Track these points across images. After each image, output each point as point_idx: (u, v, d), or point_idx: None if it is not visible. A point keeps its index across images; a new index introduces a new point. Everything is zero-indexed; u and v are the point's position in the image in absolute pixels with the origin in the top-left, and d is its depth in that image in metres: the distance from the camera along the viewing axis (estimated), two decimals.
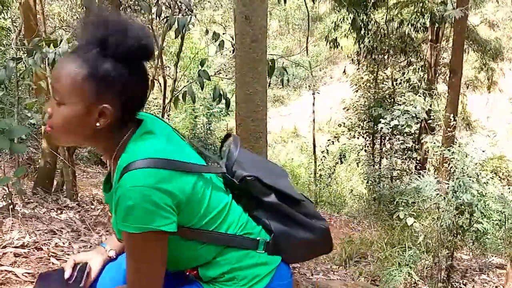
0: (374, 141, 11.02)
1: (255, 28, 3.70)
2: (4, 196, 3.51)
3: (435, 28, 10.13)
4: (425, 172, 7.01)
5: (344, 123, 11.22)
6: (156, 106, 10.79)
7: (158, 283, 1.08)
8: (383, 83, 10.94)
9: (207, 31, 5.10)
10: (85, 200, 4.97)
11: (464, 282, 4.48)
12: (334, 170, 11.42)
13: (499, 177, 9.18)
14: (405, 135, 9.91)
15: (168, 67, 11.08)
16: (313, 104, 11.26)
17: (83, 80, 1.00)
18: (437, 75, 10.55)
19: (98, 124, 1.03)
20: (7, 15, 8.45)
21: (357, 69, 11.22)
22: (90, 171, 8.32)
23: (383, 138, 10.71)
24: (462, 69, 8.10)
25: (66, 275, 1.25)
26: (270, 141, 16.89)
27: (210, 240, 1.14)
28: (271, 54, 4.58)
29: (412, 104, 8.53)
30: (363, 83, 10.99)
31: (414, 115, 8.29)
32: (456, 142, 5.30)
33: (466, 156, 4.17)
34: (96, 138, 1.08)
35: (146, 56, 1.06)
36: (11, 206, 3.31)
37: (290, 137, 19.96)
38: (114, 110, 1.03)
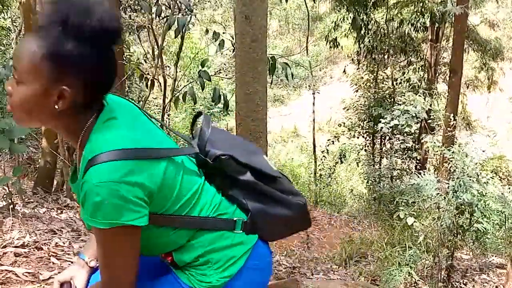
0: (374, 141, 11.02)
1: (255, 28, 3.70)
2: (4, 195, 3.52)
3: (435, 28, 10.12)
4: (425, 171, 7.01)
5: (344, 123, 11.22)
6: (156, 106, 10.80)
7: (131, 277, 1.06)
8: (383, 83, 10.93)
9: (207, 31, 5.10)
10: None
11: (464, 282, 4.48)
12: (334, 169, 11.42)
13: (499, 177, 9.18)
14: (405, 134, 9.91)
15: (168, 66, 11.07)
16: (313, 103, 11.24)
17: (41, 60, 0.96)
18: (437, 74, 10.54)
19: (56, 106, 0.99)
20: (7, 15, 8.45)
21: (357, 69, 11.21)
22: None
23: (383, 137, 10.70)
24: (462, 69, 8.10)
25: None
26: (270, 141, 16.89)
27: (182, 224, 1.11)
28: (271, 54, 4.58)
29: (412, 104, 8.53)
30: (363, 83, 10.98)
31: (414, 114, 8.28)
32: (456, 142, 5.30)
33: (466, 156, 4.16)
34: (58, 121, 1.04)
35: (110, 39, 1.01)
36: (11, 205, 3.31)
37: (290, 137, 19.95)
38: (74, 93, 0.98)
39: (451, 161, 4.31)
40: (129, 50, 8.31)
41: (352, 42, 11.30)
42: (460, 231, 4.16)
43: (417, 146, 9.80)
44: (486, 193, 4.19)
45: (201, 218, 1.13)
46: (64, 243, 2.95)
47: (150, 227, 1.06)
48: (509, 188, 5.01)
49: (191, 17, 5.10)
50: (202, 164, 1.23)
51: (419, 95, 9.14)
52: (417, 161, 9.97)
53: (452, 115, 6.65)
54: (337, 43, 10.65)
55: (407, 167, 10.24)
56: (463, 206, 4.02)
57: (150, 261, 1.27)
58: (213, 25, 13.00)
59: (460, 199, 3.92)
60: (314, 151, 11.18)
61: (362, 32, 10.06)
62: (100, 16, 0.97)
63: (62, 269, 2.21)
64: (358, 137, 11.04)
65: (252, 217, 1.21)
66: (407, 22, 10.21)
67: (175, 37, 4.83)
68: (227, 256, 1.16)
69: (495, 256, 5.38)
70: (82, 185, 0.98)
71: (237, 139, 1.46)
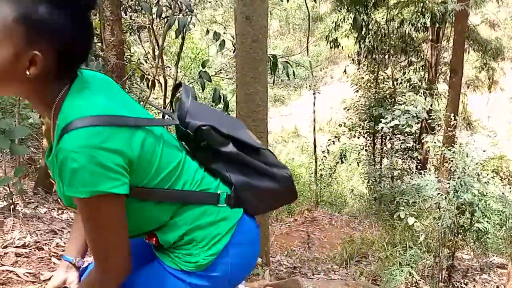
0: (375, 141, 11.02)
1: (256, 28, 3.70)
2: (5, 196, 3.52)
3: (436, 28, 10.12)
4: (425, 171, 7.01)
5: (344, 123, 11.22)
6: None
7: (123, 250, 1.02)
8: (383, 83, 10.94)
9: (207, 31, 5.11)
10: None
11: (465, 282, 4.47)
12: (335, 170, 11.42)
13: (500, 176, 9.18)
14: (405, 134, 9.91)
15: (169, 67, 11.07)
16: (314, 104, 11.25)
17: (13, 23, 0.91)
18: (438, 74, 10.54)
19: (28, 72, 0.94)
20: None
21: (358, 69, 11.22)
22: None
23: (383, 137, 10.71)
24: (463, 69, 8.10)
25: None
26: (271, 141, 16.90)
27: (165, 198, 1.08)
28: (272, 54, 4.58)
29: (412, 104, 8.53)
30: (363, 83, 10.99)
31: (414, 114, 8.28)
32: (456, 142, 5.30)
33: (467, 156, 4.16)
34: (30, 89, 0.99)
35: (85, 4, 0.98)
36: (12, 206, 3.31)
37: (290, 137, 19.96)
38: (46, 60, 0.94)
39: (452, 161, 4.31)
40: (130, 50, 8.31)
41: (353, 42, 11.30)
42: (461, 231, 4.16)
43: (417, 146, 9.80)
44: (486, 193, 4.19)
45: (184, 191, 1.10)
46: (65, 244, 2.95)
47: (133, 201, 1.03)
48: (510, 188, 5.01)
49: (191, 17, 5.11)
50: (183, 137, 1.20)
51: (419, 95, 9.14)
52: (418, 161, 9.97)
53: (452, 115, 6.66)
54: (338, 43, 10.65)
55: (408, 167, 10.24)
56: (463, 206, 4.02)
57: (134, 246, 1.24)
58: (214, 26, 13.00)
59: (461, 199, 3.92)
60: (315, 151, 11.18)
61: (363, 32, 10.06)
62: None
63: None
64: (358, 137, 11.04)
65: (236, 190, 1.18)
66: (408, 22, 10.21)
67: (176, 38, 4.84)
68: (211, 233, 1.13)
69: (496, 256, 5.38)
70: (57, 154, 0.93)
71: (220, 113, 1.39)
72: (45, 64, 0.95)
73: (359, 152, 11.31)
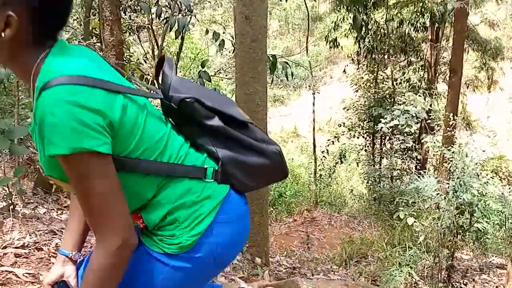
0: (374, 141, 11.03)
1: (255, 28, 3.70)
2: (5, 196, 3.51)
3: (435, 28, 10.13)
4: (425, 172, 7.01)
5: (344, 123, 11.22)
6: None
7: (122, 213, 0.97)
8: (383, 83, 10.94)
9: (207, 31, 5.11)
10: None
11: (464, 282, 4.48)
12: (334, 170, 11.42)
13: (499, 177, 9.18)
14: (405, 134, 9.91)
15: None
16: (313, 104, 11.25)
17: None
18: (437, 74, 10.55)
19: (3, 34, 0.91)
20: None
21: (357, 69, 11.22)
22: None
23: (383, 138, 10.71)
24: (462, 69, 8.11)
25: None
26: None
27: (150, 170, 1.04)
28: (272, 54, 4.58)
29: (412, 104, 8.54)
30: (363, 83, 10.99)
31: (414, 114, 8.29)
32: (456, 142, 5.30)
33: (466, 156, 4.17)
34: (10, 54, 0.97)
35: None
36: (12, 206, 3.30)
37: (290, 137, 19.96)
38: (20, 21, 0.91)
39: (451, 161, 4.31)
40: (129, 50, 8.30)
41: (352, 42, 11.30)
42: (460, 231, 4.16)
43: (417, 146, 9.80)
44: (486, 193, 4.19)
45: (170, 164, 1.07)
46: None
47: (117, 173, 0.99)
48: (509, 188, 5.02)
49: (191, 17, 5.11)
50: (168, 112, 1.17)
51: (419, 95, 9.15)
52: (417, 161, 9.97)
53: (452, 115, 6.66)
54: (337, 43, 10.65)
55: (407, 167, 10.25)
56: (463, 206, 4.02)
57: None
58: (213, 26, 13.00)
59: (460, 199, 3.92)
60: (314, 151, 11.18)
61: (362, 32, 10.07)
62: None
63: None
64: (358, 137, 11.04)
65: (223, 165, 1.15)
66: (407, 22, 10.22)
67: (176, 38, 4.84)
68: (195, 213, 1.09)
69: (496, 256, 5.38)
70: (34, 113, 0.90)
71: (208, 90, 1.35)
72: (21, 26, 0.92)
73: (359, 152, 11.31)
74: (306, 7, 7.61)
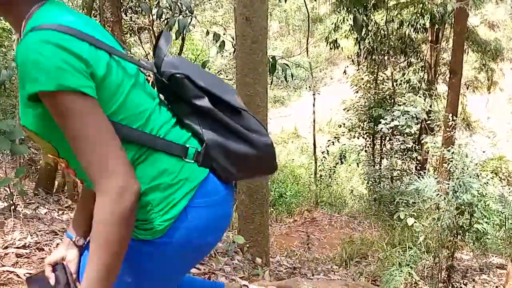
0: (375, 142, 11.04)
1: (256, 29, 3.71)
2: (6, 197, 3.52)
3: (435, 29, 10.15)
4: (425, 172, 7.02)
5: (344, 124, 11.23)
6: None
7: (119, 155, 0.92)
8: (383, 84, 10.95)
9: (207, 32, 5.12)
10: None
11: (464, 282, 4.48)
12: (335, 170, 11.43)
13: (499, 177, 9.19)
14: (405, 135, 9.92)
15: None
16: (314, 104, 11.27)
17: None
18: (437, 75, 10.57)
19: None
20: None
21: (357, 70, 11.24)
22: None
23: (383, 138, 10.72)
24: (462, 70, 8.12)
25: (52, 282, 1.18)
26: None
27: (131, 137, 0.99)
28: (272, 55, 4.59)
29: (412, 105, 8.55)
30: (363, 84, 11.01)
31: (414, 115, 8.30)
32: (456, 143, 5.31)
33: (466, 157, 4.17)
34: (4, 8, 0.97)
35: None
36: (13, 207, 3.32)
37: (290, 138, 19.96)
38: None
39: (451, 161, 4.32)
40: (130, 51, 8.32)
41: (352, 44, 11.32)
42: (460, 231, 4.16)
43: (417, 147, 9.81)
44: (486, 194, 4.20)
45: (151, 135, 1.03)
46: None
47: None
48: (509, 189, 5.02)
49: (191, 18, 5.12)
50: (160, 88, 1.14)
51: (419, 96, 9.15)
52: (417, 162, 9.98)
53: (452, 115, 6.67)
54: (337, 44, 10.67)
55: (407, 168, 10.26)
56: (463, 207, 4.02)
57: None
58: (214, 27, 13.02)
59: (460, 199, 3.93)
60: (315, 152, 11.19)
61: (362, 33, 10.08)
62: None
63: None
64: (358, 138, 11.06)
65: (207, 148, 1.10)
66: (407, 23, 10.23)
67: (176, 39, 4.85)
68: (169, 196, 1.04)
69: (496, 257, 5.38)
70: (17, 52, 0.88)
71: (208, 73, 1.25)
72: None
73: (359, 153, 11.32)
74: (307, 8, 7.62)
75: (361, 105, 10.98)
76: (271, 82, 4.46)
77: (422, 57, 10.66)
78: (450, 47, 9.11)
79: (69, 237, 1.22)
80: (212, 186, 1.12)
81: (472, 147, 4.41)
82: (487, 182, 4.30)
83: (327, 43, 10.90)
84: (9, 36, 8.41)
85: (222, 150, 1.11)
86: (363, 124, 10.83)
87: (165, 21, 5.12)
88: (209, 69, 9.75)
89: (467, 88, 11.64)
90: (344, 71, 11.52)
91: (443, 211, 4.07)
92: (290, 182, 11.34)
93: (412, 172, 9.69)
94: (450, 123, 6.40)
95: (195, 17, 5.94)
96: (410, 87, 10.27)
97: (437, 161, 8.64)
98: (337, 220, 8.44)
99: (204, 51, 12.80)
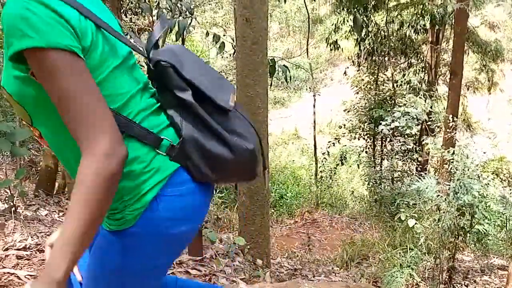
0: (375, 143, 11.03)
1: (256, 30, 3.71)
2: (6, 198, 3.52)
3: (435, 30, 10.15)
4: (425, 173, 7.01)
5: (344, 125, 11.23)
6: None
7: (106, 118, 0.89)
8: (383, 85, 10.95)
9: (207, 33, 5.12)
10: None
11: (465, 284, 4.47)
12: (335, 171, 11.42)
13: (500, 178, 9.18)
14: (405, 136, 9.91)
15: None
16: (314, 106, 11.27)
17: None
18: (438, 76, 10.56)
19: None
20: None
21: (358, 71, 11.24)
22: None
23: (383, 139, 10.71)
24: (463, 71, 8.11)
25: None
26: (271, 143, 16.89)
27: None
28: (272, 56, 4.59)
29: (412, 106, 8.54)
30: (363, 85, 11.00)
31: (414, 116, 8.29)
32: (456, 144, 5.30)
33: (467, 158, 4.17)
34: None
35: None
36: (13, 208, 3.31)
37: (291, 139, 19.95)
38: None
39: (452, 162, 4.32)
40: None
41: (353, 44, 11.32)
42: (461, 232, 4.16)
43: (418, 148, 9.81)
44: (487, 195, 4.19)
45: (128, 119, 0.99)
46: None
47: None
48: (510, 190, 5.02)
49: (191, 19, 5.12)
50: (149, 73, 1.10)
51: (419, 97, 9.14)
52: (418, 163, 9.97)
53: (452, 116, 6.66)
54: (338, 45, 10.67)
55: (408, 169, 10.25)
56: (464, 208, 4.02)
57: None
58: (214, 28, 13.03)
59: (461, 200, 3.93)
60: (315, 153, 11.19)
61: (363, 34, 10.09)
62: None
63: None
64: (359, 139, 11.05)
65: (183, 143, 1.06)
66: (407, 24, 10.24)
67: (176, 40, 4.85)
68: (139, 186, 1.00)
69: (497, 258, 5.38)
70: (3, 11, 0.85)
71: (205, 66, 1.17)
72: None
73: (359, 154, 11.31)
74: (307, 9, 7.63)
75: (361, 106, 10.98)
76: (271, 84, 4.45)
77: (422, 58, 10.66)
78: (450, 48, 9.11)
79: None
80: (185, 176, 1.08)
81: (472, 148, 4.40)
82: (488, 183, 4.29)
83: (327, 44, 10.90)
84: None
85: (198, 148, 1.06)
86: (364, 125, 10.83)
87: None
88: None
89: (468, 89, 11.64)
90: (345, 72, 11.52)
91: (444, 212, 4.06)
92: (290, 183, 11.33)
93: (412, 173, 9.68)
94: (450, 124, 6.39)
95: (195, 18, 5.94)
96: (411, 88, 10.27)
97: (437, 162, 8.64)
98: (338, 221, 8.43)
99: (204, 52, 12.79)
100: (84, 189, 0.87)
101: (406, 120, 8.25)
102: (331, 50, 11.09)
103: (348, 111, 11.49)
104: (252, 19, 3.66)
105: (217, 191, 7.43)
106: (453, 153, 4.36)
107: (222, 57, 12.63)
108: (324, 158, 10.94)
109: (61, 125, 0.93)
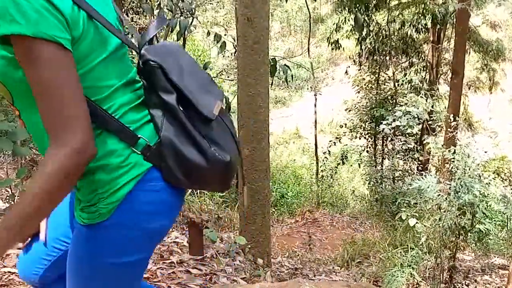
0: (376, 142, 11.03)
1: (257, 30, 3.71)
2: (7, 197, 3.53)
3: (437, 29, 10.14)
4: (427, 172, 7.01)
5: (346, 124, 11.23)
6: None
7: (81, 117, 0.89)
8: (384, 84, 10.95)
9: (208, 33, 5.12)
10: None
11: (466, 283, 4.47)
12: (336, 171, 11.42)
13: (501, 178, 9.17)
14: (407, 136, 9.91)
15: None
16: (315, 105, 11.25)
17: None
18: (439, 76, 10.55)
19: None
20: None
21: (359, 70, 11.23)
22: None
23: (385, 139, 10.71)
24: (464, 70, 8.10)
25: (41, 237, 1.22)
26: (272, 143, 16.90)
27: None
28: (273, 56, 4.59)
29: (414, 105, 8.53)
30: (365, 84, 11.00)
31: (416, 116, 8.28)
32: (457, 143, 5.30)
33: (468, 157, 4.17)
34: None
35: None
36: None
37: (292, 138, 19.95)
38: None
39: (453, 162, 4.32)
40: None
41: (354, 44, 11.32)
42: (462, 232, 4.16)
43: (419, 147, 9.80)
44: (488, 194, 4.19)
45: (107, 113, 0.99)
46: None
47: None
48: (511, 189, 5.01)
49: (193, 19, 5.12)
50: (139, 70, 1.09)
51: (420, 96, 9.14)
52: (419, 162, 9.97)
53: (453, 116, 6.66)
54: (339, 45, 10.67)
55: (409, 168, 10.25)
56: (465, 207, 4.02)
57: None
58: (215, 27, 13.03)
59: (462, 200, 3.92)
60: (316, 152, 11.18)
61: (364, 33, 10.08)
62: None
63: None
64: (360, 138, 11.05)
65: (160, 145, 1.05)
66: (409, 23, 10.23)
67: (177, 40, 4.85)
68: (115, 180, 1.00)
69: (498, 257, 5.37)
70: None
71: (198, 71, 1.16)
72: None
73: (360, 153, 11.31)
74: (308, 8, 7.63)
75: (362, 105, 10.98)
76: (272, 83, 4.46)
77: (423, 58, 10.65)
78: (451, 47, 9.10)
79: None
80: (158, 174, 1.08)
81: (474, 147, 4.40)
82: (489, 183, 4.29)
83: (329, 44, 10.89)
84: None
85: (173, 152, 1.06)
86: (365, 125, 10.83)
87: (167, 21, 5.12)
88: (211, 70, 9.75)
89: (469, 89, 11.61)
90: (346, 72, 11.52)
91: (444, 212, 4.06)
92: (291, 182, 11.34)
93: (413, 173, 9.68)
94: (451, 124, 6.39)
95: (196, 18, 5.95)
96: (412, 88, 10.27)
97: (438, 161, 8.63)
98: (338, 221, 8.43)
99: (205, 52, 12.80)
100: (44, 177, 0.87)
101: (407, 119, 8.25)
102: (332, 49, 11.09)
103: (349, 111, 11.49)
104: (253, 19, 3.66)
105: None
106: (454, 152, 4.36)
107: (223, 56, 12.65)
108: (325, 157, 10.94)
109: None
